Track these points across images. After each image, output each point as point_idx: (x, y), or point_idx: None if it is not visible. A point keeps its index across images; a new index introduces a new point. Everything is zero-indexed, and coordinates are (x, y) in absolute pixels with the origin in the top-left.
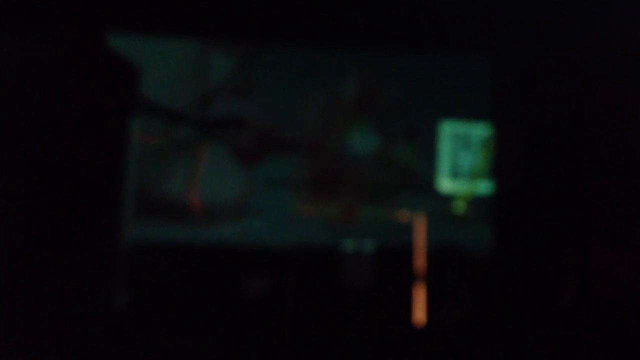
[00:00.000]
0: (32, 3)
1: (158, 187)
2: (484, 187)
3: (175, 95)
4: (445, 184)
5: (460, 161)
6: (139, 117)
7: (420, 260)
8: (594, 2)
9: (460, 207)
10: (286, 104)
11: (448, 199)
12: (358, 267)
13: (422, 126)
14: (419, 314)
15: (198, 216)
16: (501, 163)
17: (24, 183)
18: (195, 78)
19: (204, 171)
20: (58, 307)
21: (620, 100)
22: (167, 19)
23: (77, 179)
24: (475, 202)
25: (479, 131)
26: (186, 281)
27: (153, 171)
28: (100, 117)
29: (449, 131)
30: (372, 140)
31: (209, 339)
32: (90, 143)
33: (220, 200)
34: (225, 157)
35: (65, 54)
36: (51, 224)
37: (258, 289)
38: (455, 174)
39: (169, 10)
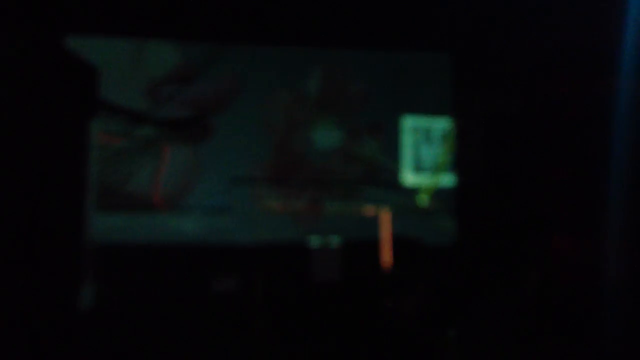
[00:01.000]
0: None
1: (123, 186)
2: (446, 179)
3: (119, 90)
4: (409, 177)
5: (422, 155)
6: (100, 117)
7: (385, 254)
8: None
9: (423, 200)
10: (251, 102)
11: (412, 192)
12: (325, 262)
13: (385, 121)
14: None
15: (162, 211)
16: (462, 156)
17: None
18: (137, 71)
19: (166, 168)
20: (23, 308)
21: (577, 92)
22: (126, 21)
23: (38, 179)
24: (438, 194)
25: (441, 125)
26: (153, 280)
27: (118, 171)
28: (60, 117)
29: (411, 126)
30: (336, 135)
31: (177, 338)
32: (50, 143)
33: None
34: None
35: (24, 55)
36: (14, 224)
37: (226, 286)
38: (418, 167)
39: (128, 11)
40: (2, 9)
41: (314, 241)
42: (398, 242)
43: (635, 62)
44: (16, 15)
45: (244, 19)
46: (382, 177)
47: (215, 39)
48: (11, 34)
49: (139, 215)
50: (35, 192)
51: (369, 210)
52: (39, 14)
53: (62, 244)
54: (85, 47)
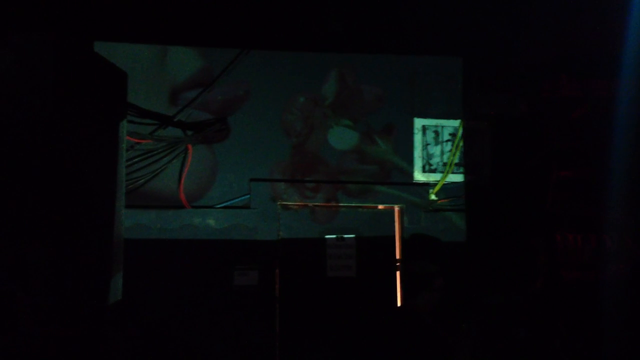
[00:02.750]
0: (23, 13)
1: (149, 184)
2: (455, 178)
3: (145, 94)
4: (421, 176)
5: (434, 155)
6: (129, 120)
7: (399, 250)
8: (554, 3)
9: (434, 196)
10: (269, 104)
11: (424, 190)
12: (341, 257)
13: (398, 123)
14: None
15: (187, 209)
16: (471, 156)
17: (23, 183)
18: (161, 75)
19: (190, 168)
20: (58, 301)
21: (582, 96)
22: (154, 28)
23: (73, 178)
24: (449, 192)
25: (451, 126)
26: (179, 274)
27: (143, 171)
28: (93, 120)
29: (422, 126)
30: (350, 136)
31: (201, 329)
32: (85, 145)
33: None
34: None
35: (58, 60)
36: (49, 221)
37: (247, 280)
38: (429, 167)
39: (155, 19)
40: (35, 19)
41: (330, 238)
42: (411, 239)
43: (634, 65)
44: (48, 22)
45: (263, 25)
46: (395, 176)
47: (235, 45)
48: (44, 40)
49: (165, 212)
50: (71, 189)
51: (382, 208)
52: (70, 21)
53: (96, 238)
54: (112, 53)
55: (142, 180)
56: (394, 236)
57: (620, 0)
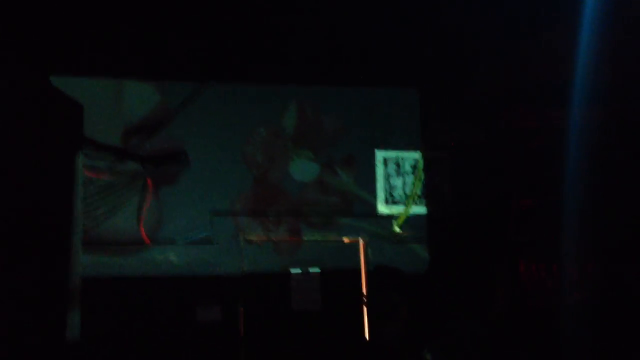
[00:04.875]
0: None
1: (108, 220)
2: (418, 209)
3: (102, 128)
4: (383, 207)
5: (395, 187)
6: (85, 154)
7: (364, 282)
8: (509, 35)
9: (397, 229)
10: (230, 137)
11: (386, 221)
12: (305, 291)
13: (359, 154)
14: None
15: (147, 244)
16: (432, 186)
17: None
18: (118, 109)
19: (150, 202)
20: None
21: (539, 126)
22: (109, 62)
23: (26, 214)
24: (411, 223)
25: (411, 157)
26: (140, 311)
27: (102, 206)
28: (48, 152)
29: (383, 158)
30: (312, 168)
31: None
32: (39, 178)
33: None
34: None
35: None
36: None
37: (210, 316)
38: (391, 198)
39: (112, 53)
40: None
41: (294, 271)
42: (375, 271)
43: (590, 93)
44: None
45: (222, 58)
46: (357, 208)
47: (194, 79)
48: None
49: (125, 248)
50: (26, 225)
51: (346, 239)
52: (26, 54)
53: (50, 275)
54: (69, 87)
55: (101, 216)
56: (359, 268)
57: (574, 30)
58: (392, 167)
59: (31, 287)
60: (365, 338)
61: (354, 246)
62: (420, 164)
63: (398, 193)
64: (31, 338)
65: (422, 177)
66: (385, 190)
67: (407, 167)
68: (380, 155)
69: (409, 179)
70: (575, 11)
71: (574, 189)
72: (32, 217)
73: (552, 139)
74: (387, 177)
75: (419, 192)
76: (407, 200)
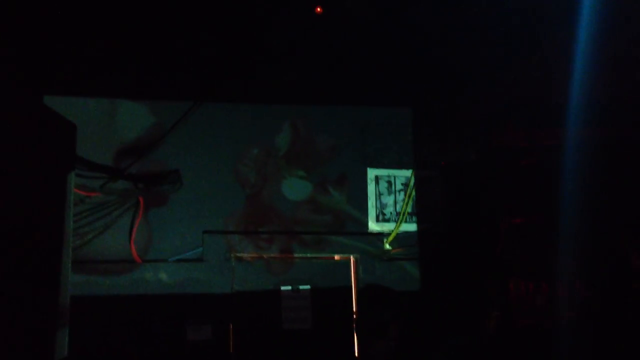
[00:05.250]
0: None
1: (97, 239)
2: (409, 226)
3: (89, 149)
4: (375, 226)
5: (387, 205)
6: (77, 174)
7: (355, 300)
8: (502, 55)
9: (388, 246)
10: (223, 156)
11: (377, 239)
12: (296, 309)
13: (351, 173)
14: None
15: (138, 263)
16: (423, 204)
17: None
18: (110, 130)
19: (141, 221)
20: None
21: (529, 145)
22: (102, 81)
23: (17, 232)
24: (402, 241)
25: (403, 176)
26: (127, 331)
27: (93, 224)
28: (40, 171)
29: (375, 176)
30: (304, 187)
31: None
32: (31, 198)
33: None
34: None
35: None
36: None
37: (201, 335)
38: (383, 216)
39: (104, 72)
40: None
41: (285, 289)
42: (367, 289)
43: (581, 112)
44: None
45: (215, 78)
46: (349, 226)
47: (187, 98)
48: None
49: (115, 266)
50: (16, 243)
51: (337, 257)
52: (18, 74)
53: (40, 295)
54: (62, 107)
55: (92, 235)
56: (350, 286)
57: (566, 50)
58: (383, 185)
59: (20, 305)
60: (355, 356)
61: (345, 264)
62: (412, 182)
63: (389, 211)
64: (19, 357)
65: (414, 195)
66: (377, 208)
67: (399, 185)
68: (372, 173)
69: (401, 197)
70: (567, 32)
71: (564, 208)
72: (23, 235)
73: (542, 158)
74: (379, 195)
75: (410, 210)
76: (398, 218)
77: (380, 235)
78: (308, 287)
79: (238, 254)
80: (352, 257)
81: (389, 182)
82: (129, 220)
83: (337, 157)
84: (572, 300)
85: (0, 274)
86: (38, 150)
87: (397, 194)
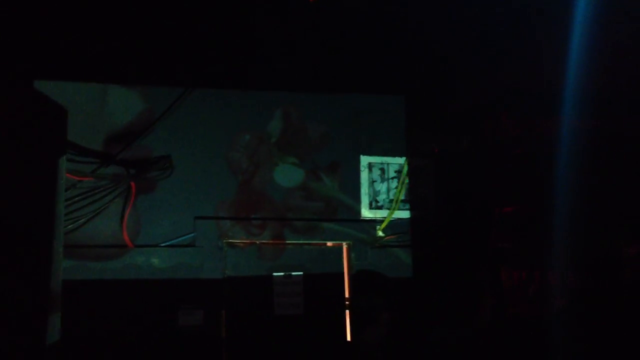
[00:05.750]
0: None
1: (89, 224)
2: (401, 214)
3: (80, 135)
4: (368, 213)
5: (380, 192)
6: (69, 159)
7: (347, 286)
8: (495, 43)
9: (380, 233)
10: (215, 142)
11: (370, 227)
12: (288, 294)
13: (343, 160)
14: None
15: (130, 248)
16: (416, 192)
17: None
18: (101, 114)
19: (133, 206)
20: None
21: (522, 135)
22: (93, 66)
23: (8, 216)
24: (394, 228)
25: (396, 163)
26: (121, 315)
27: (85, 209)
28: (31, 156)
29: (368, 163)
30: (296, 174)
31: None
32: (22, 181)
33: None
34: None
35: None
36: None
37: (193, 320)
38: (376, 203)
39: (95, 57)
40: None
41: (277, 275)
42: (357, 275)
43: (575, 102)
44: None
45: (207, 64)
46: (341, 212)
47: (178, 84)
48: None
49: (107, 251)
50: (7, 228)
51: (329, 244)
52: (9, 58)
53: (32, 278)
54: (52, 91)
55: (83, 219)
56: (342, 273)
57: (561, 39)
58: (376, 173)
59: (11, 290)
60: (347, 342)
61: (338, 250)
62: (405, 170)
63: (382, 198)
64: (11, 341)
65: (407, 182)
66: (370, 195)
67: (392, 173)
68: (365, 160)
69: (394, 184)
70: (562, 20)
71: (557, 197)
72: (14, 220)
73: (535, 147)
74: (372, 182)
75: (402, 197)
76: (391, 205)
77: (373, 222)
78: (300, 273)
79: (230, 240)
80: (344, 243)
81: (382, 170)
82: (120, 205)
83: (330, 145)
84: (563, 289)
85: None
86: (29, 134)
87: (390, 181)
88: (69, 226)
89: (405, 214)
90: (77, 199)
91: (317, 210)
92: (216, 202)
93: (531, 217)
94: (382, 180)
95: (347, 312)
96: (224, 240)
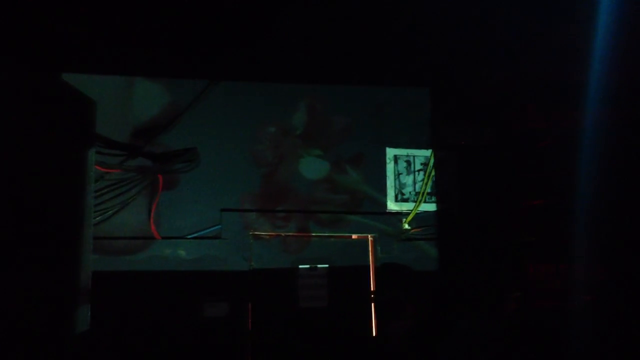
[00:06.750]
0: None
1: (117, 216)
2: (427, 206)
3: (107, 127)
4: (392, 205)
5: (406, 184)
6: (96, 149)
7: (373, 279)
8: (520, 35)
9: (406, 226)
10: (240, 135)
11: (396, 220)
12: (313, 287)
13: (368, 153)
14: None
15: (157, 240)
16: (442, 184)
17: None
18: (126, 108)
19: (160, 198)
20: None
21: (548, 127)
22: (120, 59)
23: (39, 208)
24: (421, 221)
25: (422, 156)
26: (148, 306)
27: (113, 201)
28: (61, 147)
29: (394, 156)
30: (321, 166)
31: None
32: (52, 173)
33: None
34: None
35: (24, 89)
36: (15, 252)
37: (217, 312)
38: (402, 196)
39: (122, 50)
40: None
41: (303, 268)
42: (384, 268)
43: (600, 95)
44: (17, 54)
45: (232, 57)
46: (367, 205)
47: (204, 77)
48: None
49: (135, 243)
50: (37, 219)
51: (355, 237)
52: (38, 52)
53: (62, 268)
54: (80, 84)
55: (111, 211)
56: (367, 266)
57: (585, 32)
58: (402, 165)
59: (42, 281)
60: (372, 335)
61: (363, 243)
62: (431, 162)
63: (408, 190)
64: (42, 330)
65: (433, 175)
66: (395, 188)
67: (418, 165)
68: (391, 152)
69: (420, 176)
70: (587, 11)
71: (583, 189)
72: (44, 212)
73: (561, 140)
74: (398, 174)
75: (429, 189)
76: (417, 197)
77: (399, 215)
78: (326, 265)
79: (255, 232)
80: (369, 236)
81: (408, 162)
82: (148, 197)
83: (355, 137)
84: (591, 284)
85: (23, 250)
86: (58, 127)
87: (417, 174)
88: (98, 218)
89: (431, 207)
90: (105, 190)
91: (342, 203)
92: (241, 194)
93: (557, 210)
94: (408, 173)
95: (372, 305)
96: (250, 233)
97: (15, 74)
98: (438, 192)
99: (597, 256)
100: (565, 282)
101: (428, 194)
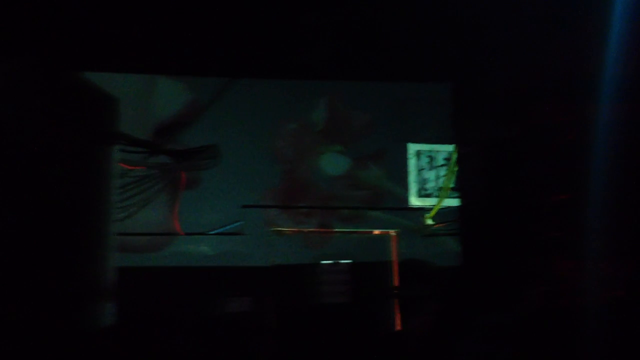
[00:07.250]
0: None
1: (140, 212)
2: (450, 202)
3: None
4: (415, 200)
5: (428, 180)
6: (120, 147)
7: (396, 275)
8: (541, 28)
9: (429, 221)
10: (261, 132)
11: (418, 214)
12: (335, 282)
13: (390, 148)
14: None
15: (180, 236)
16: (464, 180)
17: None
18: (148, 106)
19: (183, 195)
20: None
21: (572, 119)
22: (143, 59)
23: (63, 204)
24: (443, 216)
25: (445, 151)
26: (168, 301)
27: (136, 197)
28: (84, 144)
29: (416, 152)
30: (341, 163)
31: (192, 357)
32: (75, 169)
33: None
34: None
35: (47, 86)
36: (40, 248)
37: (240, 307)
38: (424, 191)
39: (143, 48)
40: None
41: (325, 263)
42: (407, 264)
43: (620, 88)
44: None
45: (253, 54)
46: (389, 201)
47: (224, 74)
48: (32, 65)
49: (158, 239)
50: (62, 215)
51: (377, 233)
52: (61, 50)
53: (86, 266)
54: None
55: (135, 208)
56: (389, 261)
57: (604, 24)
58: (424, 160)
59: (66, 276)
60: (395, 330)
61: (385, 238)
62: (454, 157)
63: (431, 186)
64: (67, 325)
65: (455, 170)
66: (418, 183)
67: (441, 161)
68: (413, 148)
69: (442, 172)
70: (607, 4)
71: (606, 185)
72: (69, 208)
73: (584, 134)
74: (420, 170)
75: (451, 185)
76: (439, 193)
77: (422, 210)
78: (348, 261)
79: (277, 228)
80: (392, 232)
81: (431, 157)
82: (170, 193)
83: (376, 132)
84: (614, 280)
85: (47, 246)
86: (82, 124)
87: (439, 169)
88: (121, 214)
89: (454, 202)
90: (128, 187)
91: (363, 199)
92: (263, 190)
93: (581, 206)
94: (431, 168)
95: (395, 300)
96: (272, 229)
97: (40, 73)
98: (461, 187)
99: (621, 252)
100: (589, 279)
101: (450, 189)
